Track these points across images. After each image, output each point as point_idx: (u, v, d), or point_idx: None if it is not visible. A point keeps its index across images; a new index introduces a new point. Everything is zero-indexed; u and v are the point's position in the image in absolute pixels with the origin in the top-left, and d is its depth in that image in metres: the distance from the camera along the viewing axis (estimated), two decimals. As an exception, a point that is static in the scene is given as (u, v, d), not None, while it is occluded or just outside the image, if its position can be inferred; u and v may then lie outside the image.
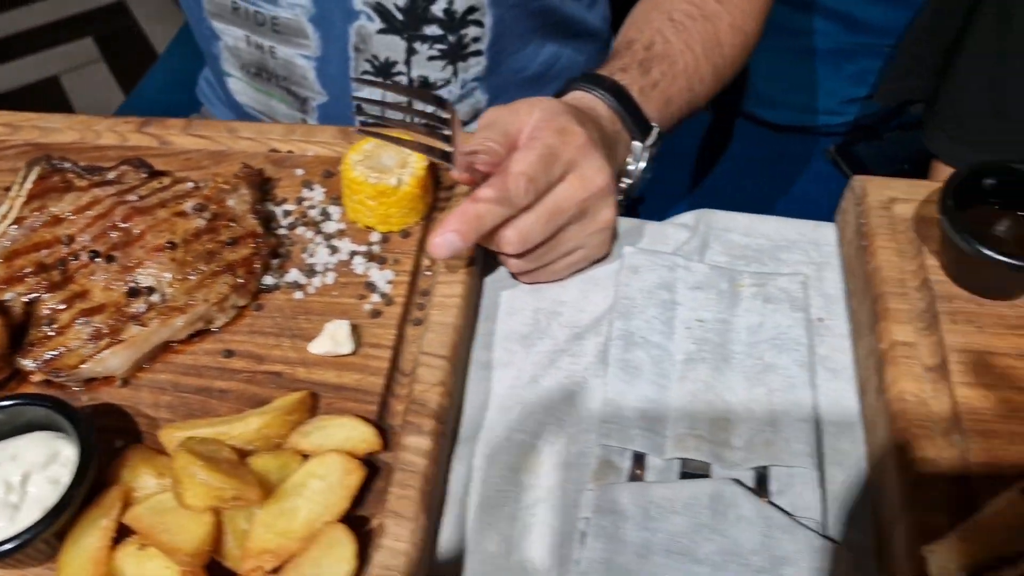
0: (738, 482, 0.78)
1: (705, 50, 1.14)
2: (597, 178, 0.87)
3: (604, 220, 0.90)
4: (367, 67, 1.20)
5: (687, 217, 1.03)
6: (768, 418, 0.83)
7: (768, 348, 0.89)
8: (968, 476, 0.74)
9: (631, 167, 1.02)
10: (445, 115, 0.79)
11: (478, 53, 1.21)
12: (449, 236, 0.82)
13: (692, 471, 0.82)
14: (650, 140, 1.02)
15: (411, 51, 1.20)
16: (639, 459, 0.82)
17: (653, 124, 1.03)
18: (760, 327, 0.91)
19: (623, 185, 1.02)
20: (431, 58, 1.20)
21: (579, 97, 1.00)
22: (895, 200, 0.93)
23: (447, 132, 0.80)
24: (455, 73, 1.22)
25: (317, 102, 1.26)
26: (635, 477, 0.80)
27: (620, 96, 1.00)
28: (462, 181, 0.91)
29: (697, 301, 0.93)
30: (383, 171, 0.91)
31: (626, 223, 1.00)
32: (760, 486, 0.80)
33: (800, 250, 0.99)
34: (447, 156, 0.82)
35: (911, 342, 0.82)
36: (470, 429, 0.85)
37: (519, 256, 0.89)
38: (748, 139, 1.71)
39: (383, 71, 1.20)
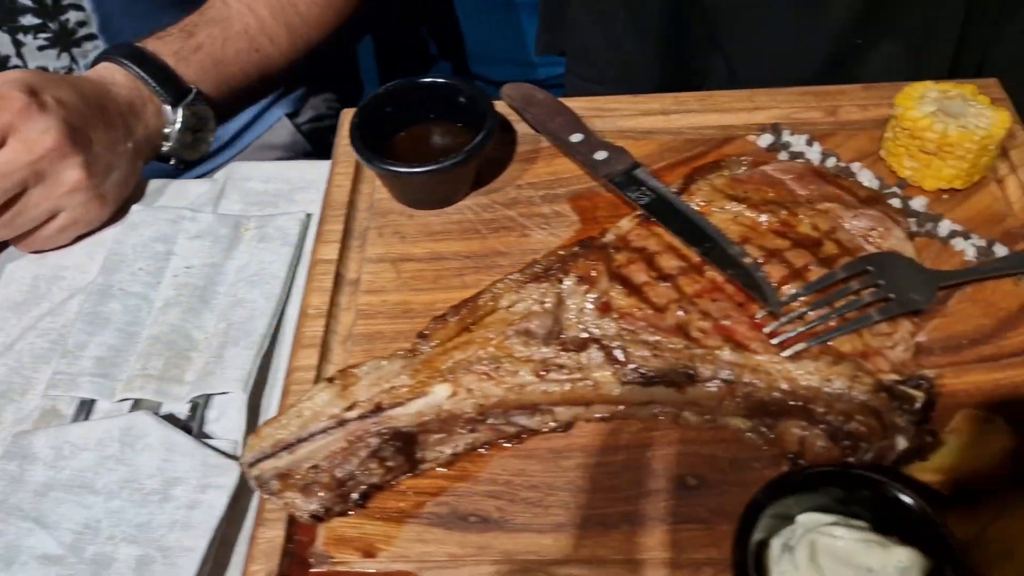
0: (155, 414, 0.82)
1: (273, 11, 1.17)
2: (43, 140, 0.90)
3: (71, 182, 0.93)
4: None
5: (220, 172, 1.06)
6: (219, 351, 0.86)
7: (245, 285, 0.92)
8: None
9: (168, 129, 1.05)
10: None
11: (92, 37, 1.25)
12: None
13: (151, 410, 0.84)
14: (187, 100, 1.05)
15: (17, 43, 1.23)
16: (88, 405, 0.85)
17: (191, 86, 1.06)
18: (246, 266, 0.94)
19: (164, 148, 1.05)
20: (41, 48, 1.23)
21: (98, 68, 1.03)
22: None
23: None
24: (73, 60, 1.25)
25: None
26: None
27: (144, 62, 1.03)
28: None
29: (193, 249, 0.96)
30: None
31: (154, 183, 1.04)
32: (194, 414, 0.83)
33: (316, 189, 1.01)
34: None
35: (332, 259, 0.85)
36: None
37: None
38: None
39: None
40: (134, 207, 1.00)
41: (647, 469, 0.70)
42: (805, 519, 0.62)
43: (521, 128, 0.96)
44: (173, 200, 1.03)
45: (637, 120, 0.96)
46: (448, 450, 0.71)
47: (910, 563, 0.58)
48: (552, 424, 0.72)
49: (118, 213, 0.99)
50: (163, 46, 1.07)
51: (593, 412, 0.72)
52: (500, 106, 0.96)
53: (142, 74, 1.02)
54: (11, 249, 0.98)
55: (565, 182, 0.91)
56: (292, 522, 0.69)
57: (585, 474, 0.70)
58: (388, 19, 1.80)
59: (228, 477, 0.75)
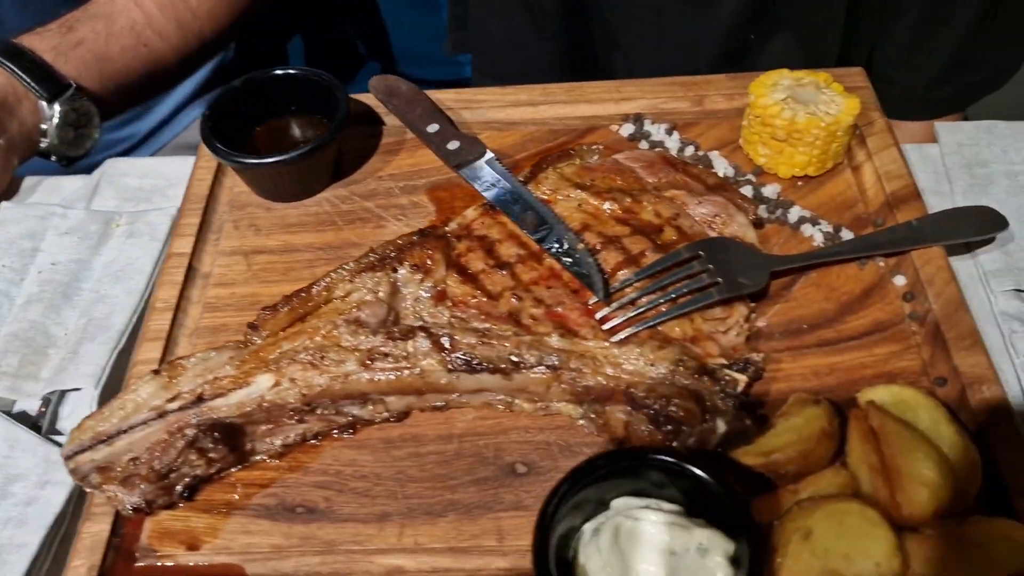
0: (5, 412, 0.81)
1: (162, 6, 1.16)
2: None
3: None
4: None
5: (97, 169, 1.05)
6: (75, 347, 0.86)
7: (110, 281, 0.91)
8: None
9: (45, 126, 1.03)
10: None
11: None
12: None
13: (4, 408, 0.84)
14: (65, 96, 1.03)
15: None
16: (-60, 404, 0.84)
17: (70, 82, 1.05)
18: (113, 262, 0.93)
19: (43, 144, 1.04)
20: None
21: None
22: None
23: None
24: None
25: None
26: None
27: (18, 58, 1.01)
28: None
29: (61, 246, 0.95)
30: None
31: (29, 180, 1.03)
32: (45, 411, 0.82)
33: (189, 184, 1.01)
34: None
35: (185, 252, 0.84)
36: None
37: None
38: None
39: None
40: (3, 204, 0.98)
41: (478, 457, 0.70)
42: (618, 503, 0.62)
43: (390, 120, 0.96)
44: (46, 196, 1.02)
45: (505, 111, 0.96)
46: (279, 441, 0.70)
47: (710, 544, 0.59)
48: (385, 414, 0.72)
49: (-12, 208, 0.98)
50: (41, 42, 1.06)
51: (427, 401, 0.72)
52: (368, 98, 0.96)
53: (16, 71, 1.01)
54: None
55: (425, 173, 0.90)
56: (120, 517, 0.68)
57: (416, 463, 0.70)
58: (314, 19, 1.79)
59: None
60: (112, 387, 0.82)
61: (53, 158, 1.07)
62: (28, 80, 1.02)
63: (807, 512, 0.61)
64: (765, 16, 1.12)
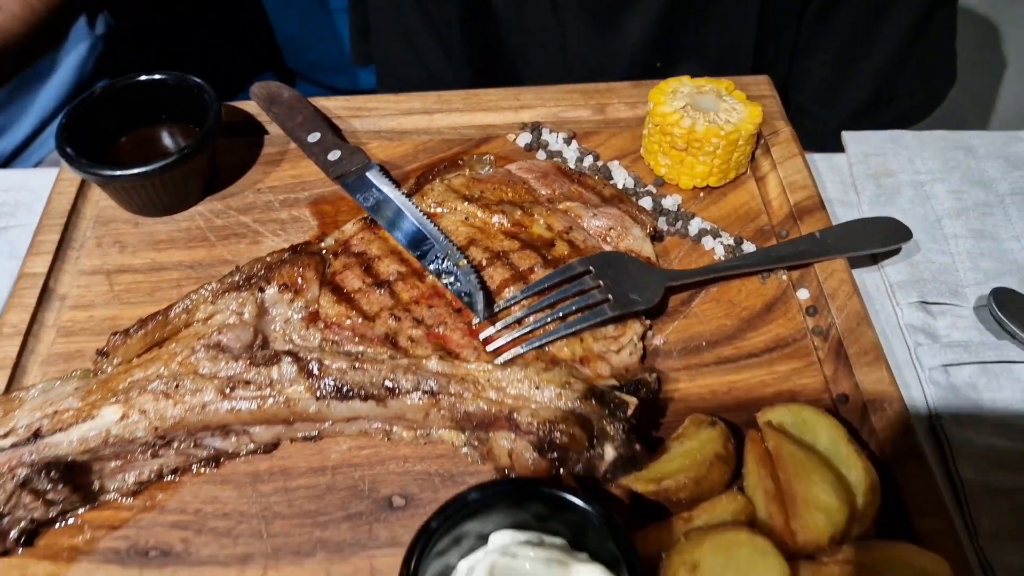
0: None
1: None
2: None
3: None
4: None
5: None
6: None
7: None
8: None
9: None
10: None
11: None
12: None
13: None
14: None
15: None
16: None
17: None
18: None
19: None
20: None
21: None
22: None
23: None
24: None
25: None
26: None
27: None
28: None
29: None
30: None
31: None
32: None
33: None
34: None
35: (41, 272, 0.77)
36: None
37: None
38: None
39: None
40: None
41: (352, 490, 0.65)
42: (497, 539, 0.57)
43: (273, 129, 0.90)
44: None
45: (397, 120, 0.91)
46: (131, 478, 0.64)
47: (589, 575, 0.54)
48: (251, 445, 0.66)
49: None
50: None
51: (297, 431, 0.66)
52: (252, 105, 0.90)
53: None
54: None
55: (309, 185, 0.85)
56: (-55, 567, 0.61)
57: (284, 498, 0.65)
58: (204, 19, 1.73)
59: None
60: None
61: None
62: None
63: (694, 544, 0.57)
64: (671, 44, 1.10)
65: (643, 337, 0.71)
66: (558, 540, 0.58)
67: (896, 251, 0.84)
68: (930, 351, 0.77)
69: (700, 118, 0.81)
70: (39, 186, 0.95)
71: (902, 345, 0.79)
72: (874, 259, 0.84)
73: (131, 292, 0.77)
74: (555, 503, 0.57)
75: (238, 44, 1.76)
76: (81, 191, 0.84)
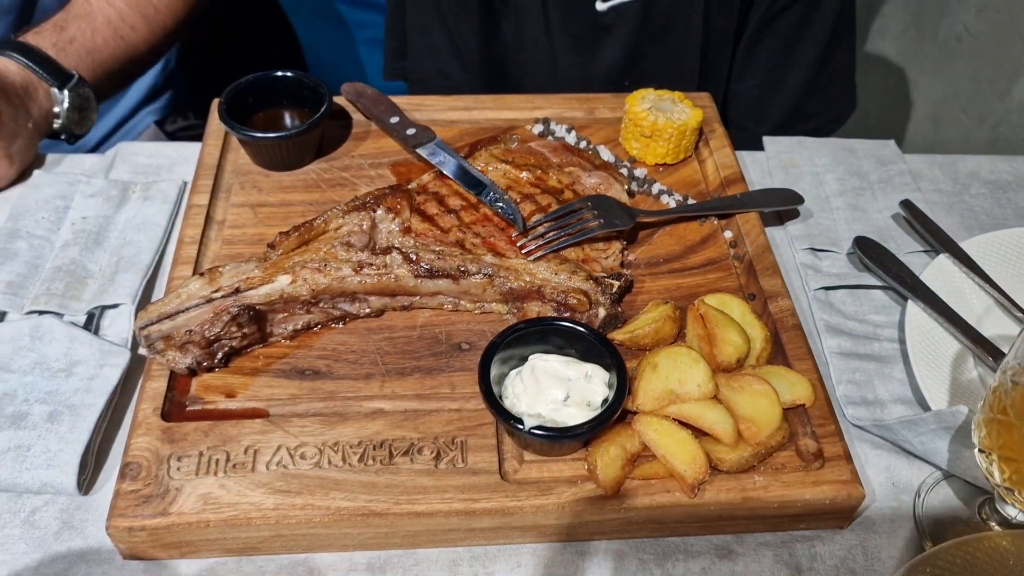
0: (59, 317, 1.05)
1: (129, 3, 1.42)
2: None
3: None
4: None
5: (110, 150, 1.30)
6: (111, 276, 1.11)
7: (132, 230, 1.16)
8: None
9: (57, 108, 1.28)
10: None
11: None
12: None
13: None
14: (71, 84, 1.28)
15: None
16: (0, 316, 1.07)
17: (72, 72, 1.30)
18: (133, 218, 1.18)
19: (56, 125, 1.29)
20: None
21: None
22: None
23: None
24: None
25: None
26: (-5, 328, 1.06)
27: (29, 53, 1.26)
28: None
29: (88, 205, 1.20)
30: None
31: (52, 156, 1.27)
32: (90, 322, 1.06)
33: (191, 164, 1.27)
34: None
35: (203, 204, 1.11)
36: None
37: None
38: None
39: None
40: (36, 171, 1.23)
41: (434, 339, 1.00)
42: (532, 356, 0.93)
43: (357, 116, 1.26)
44: (70, 168, 1.26)
45: (446, 114, 1.28)
46: (290, 327, 0.98)
47: (594, 372, 0.90)
48: (367, 310, 1.00)
49: (22, 176, 1.22)
50: (41, 40, 1.30)
51: (397, 302, 1.01)
52: (341, 100, 1.26)
53: (30, 64, 1.26)
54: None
55: (388, 154, 1.21)
56: (172, 377, 0.94)
57: (390, 343, 0.99)
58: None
59: (121, 359, 0.99)
60: (144, 305, 1.07)
61: (63, 137, 1.32)
62: (42, 71, 1.26)
63: (655, 353, 0.93)
64: (635, 69, 1.49)
65: (622, 252, 1.08)
66: (573, 353, 0.93)
67: (795, 215, 1.22)
68: (815, 279, 1.14)
69: (660, 115, 1.19)
70: (175, 155, 1.29)
71: (798, 278, 1.16)
72: (780, 220, 1.22)
73: (270, 218, 1.11)
74: (568, 333, 0.93)
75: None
76: (223, 151, 1.19)
